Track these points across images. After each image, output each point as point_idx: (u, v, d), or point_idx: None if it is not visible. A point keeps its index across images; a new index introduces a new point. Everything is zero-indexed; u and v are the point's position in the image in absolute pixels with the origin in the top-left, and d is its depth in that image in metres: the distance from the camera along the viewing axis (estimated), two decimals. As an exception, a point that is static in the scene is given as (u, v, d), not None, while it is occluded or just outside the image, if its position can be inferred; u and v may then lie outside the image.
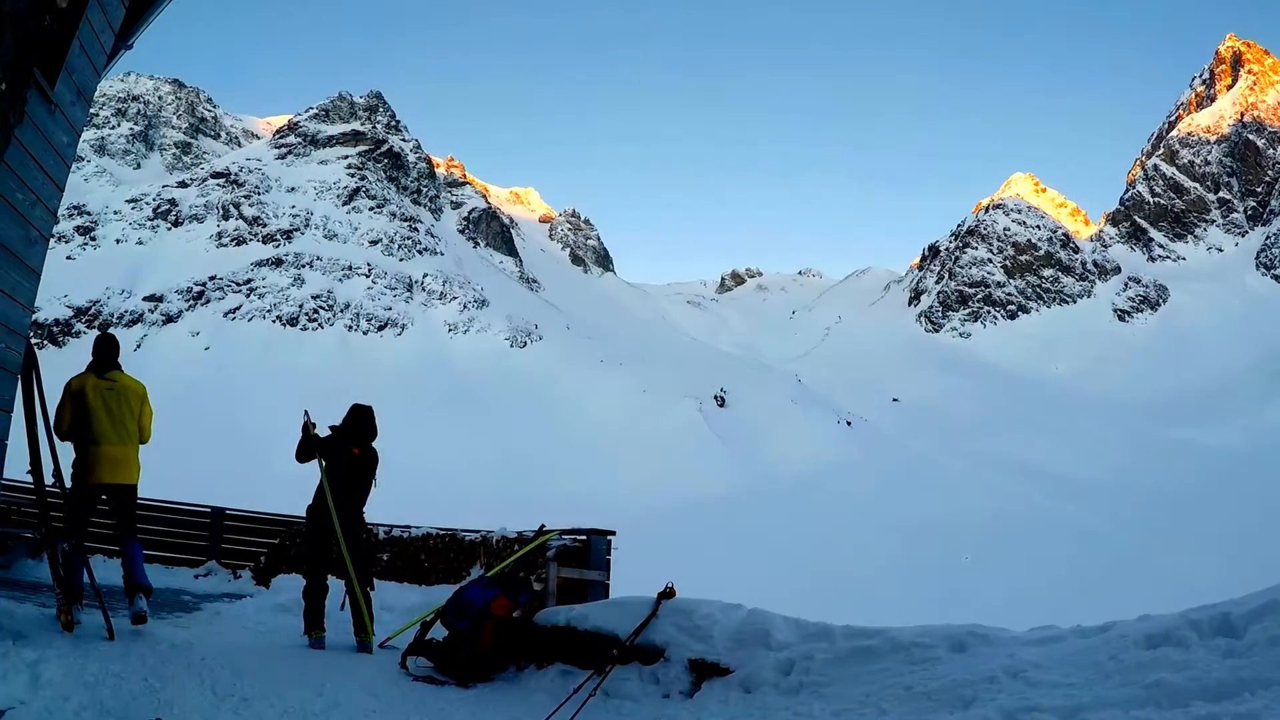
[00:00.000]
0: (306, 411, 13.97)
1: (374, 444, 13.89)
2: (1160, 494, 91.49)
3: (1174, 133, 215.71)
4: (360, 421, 13.71)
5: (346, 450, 13.27)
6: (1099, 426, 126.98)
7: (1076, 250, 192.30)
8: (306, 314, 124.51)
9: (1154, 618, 9.09)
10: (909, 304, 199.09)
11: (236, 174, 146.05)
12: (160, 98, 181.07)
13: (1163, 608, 9.44)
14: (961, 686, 8.84)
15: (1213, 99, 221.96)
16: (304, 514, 13.61)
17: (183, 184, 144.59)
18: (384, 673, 11.45)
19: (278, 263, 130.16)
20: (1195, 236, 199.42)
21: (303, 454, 13.24)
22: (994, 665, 9.01)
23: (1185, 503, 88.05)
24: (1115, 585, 57.76)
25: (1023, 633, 9.86)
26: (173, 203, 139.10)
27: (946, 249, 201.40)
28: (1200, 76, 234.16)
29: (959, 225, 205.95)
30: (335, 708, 9.54)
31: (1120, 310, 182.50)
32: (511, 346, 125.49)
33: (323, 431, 13.52)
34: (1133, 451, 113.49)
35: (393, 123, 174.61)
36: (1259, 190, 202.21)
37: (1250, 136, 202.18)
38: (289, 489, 13.52)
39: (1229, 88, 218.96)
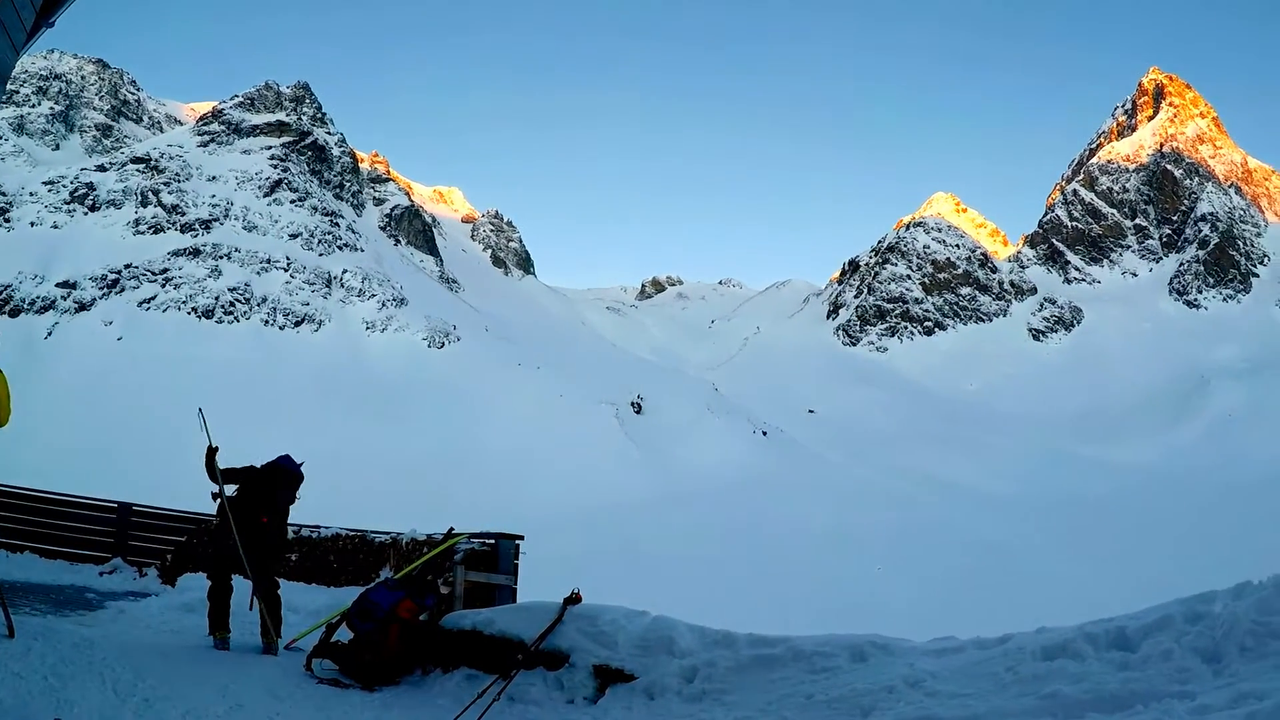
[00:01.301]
0: (201, 410, 13.73)
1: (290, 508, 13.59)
2: (1067, 509, 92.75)
3: (1094, 160, 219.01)
4: (279, 484, 13.12)
5: (255, 519, 12.93)
6: (1011, 442, 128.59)
7: (994, 270, 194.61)
8: (223, 306, 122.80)
9: (1051, 630, 9.28)
10: (827, 317, 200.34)
11: (157, 160, 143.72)
12: (83, 78, 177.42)
13: (1064, 620, 9.65)
14: (861, 695, 8.99)
15: (1134, 129, 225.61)
16: (214, 512, 13.47)
17: (102, 168, 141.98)
18: (288, 675, 11.40)
19: (195, 253, 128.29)
20: (1111, 261, 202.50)
21: (212, 471, 12.97)
22: (893, 675, 9.17)
23: (1091, 518, 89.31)
24: (1019, 597, 58.43)
25: (923, 643, 10.02)
26: (91, 186, 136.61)
27: (866, 264, 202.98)
28: (1123, 106, 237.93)
29: (880, 241, 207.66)
30: (238, 709, 9.50)
31: (1035, 330, 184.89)
32: (429, 347, 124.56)
33: (223, 431, 13.24)
34: (1043, 467, 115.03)
35: (319, 115, 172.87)
36: (1174, 219, 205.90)
37: (1168, 166, 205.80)
38: (199, 486, 13.34)
39: (1150, 119, 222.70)
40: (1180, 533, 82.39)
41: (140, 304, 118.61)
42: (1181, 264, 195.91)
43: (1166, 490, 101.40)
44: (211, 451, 12.83)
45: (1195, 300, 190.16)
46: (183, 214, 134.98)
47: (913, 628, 14.03)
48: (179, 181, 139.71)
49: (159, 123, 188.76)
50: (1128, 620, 8.89)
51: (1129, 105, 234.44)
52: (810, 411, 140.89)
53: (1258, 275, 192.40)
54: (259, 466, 13.12)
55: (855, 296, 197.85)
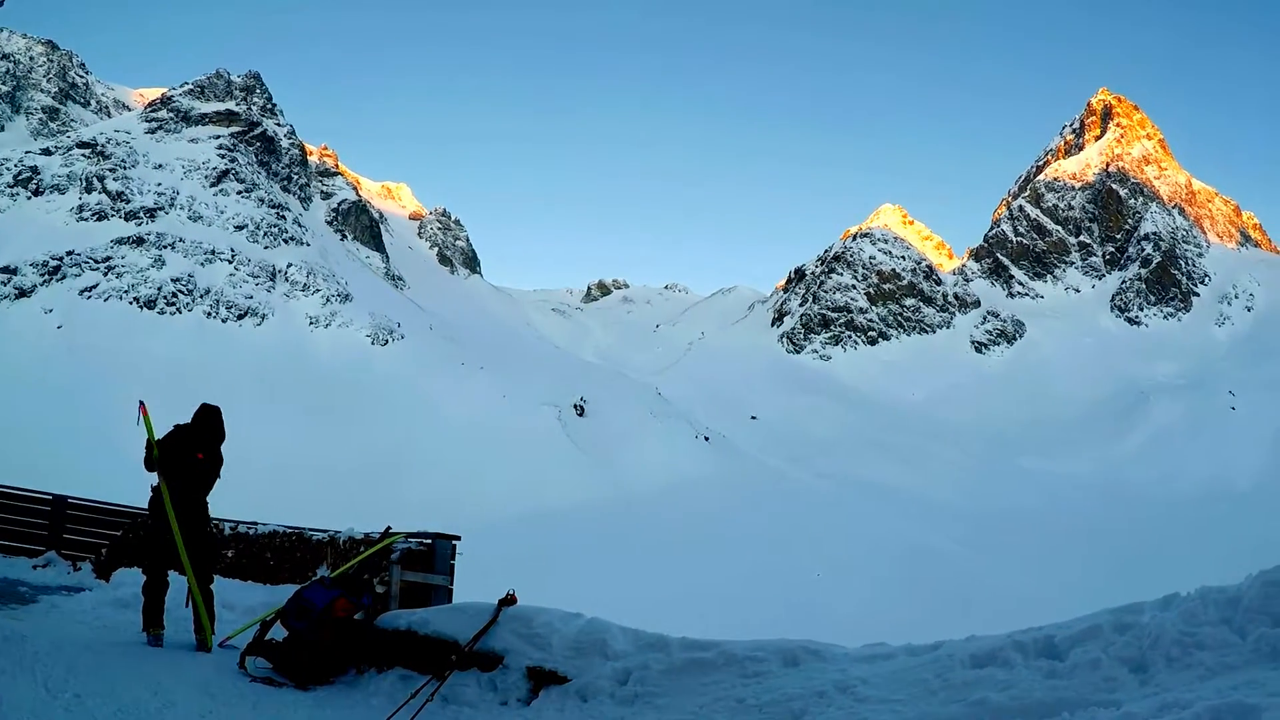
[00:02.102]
0: (141, 402, 13.64)
1: (221, 446, 13.64)
2: (1005, 519, 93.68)
3: (1041, 177, 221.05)
4: (207, 424, 13.35)
5: (190, 454, 13.00)
6: (951, 452, 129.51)
7: (939, 282, 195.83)
8: (165, 297, 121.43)
9: (981, 638, 9.39)
10: (772, 324, 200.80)
11: (103, 145, 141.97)
12: (31, 58, 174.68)
13: (998, 628, 9.73)
14: (792, 700, 9.06)
15: (1081, 148, 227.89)
16: (147, 506, 13.37)
17: (47, 151, 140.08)
18: (222, 673, 11.33)
19: (139, 241, 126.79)
20: (1054, 277, 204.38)
21: (151, 464, 12.95)
22: (825, 680, 9.25)
23: (1028, 528, 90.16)
24: (955, 605, 58.89)
25: (854, 649, 10.11)
26: (35, 170, 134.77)
27: (812, 273, 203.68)
28: (1071, 125, 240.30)
29: (826, 251, 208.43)
30: (170, 707, 9.44)
31: (978, 342, 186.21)
32: (373, 344, 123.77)
33: (162, 425, 13.21)
34: (982, 477, 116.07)
35: (268, 105, 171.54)
36: (1118, 237, 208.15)
37: (1113, 186, 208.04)
38: (136, 479, 13.25)
39: (1098, 138, 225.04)
40: (1114, 544, 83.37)
41: (81, 292, 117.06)
42: (1124, 281, 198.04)
43: (1103, 503, 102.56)
44: (151, 447, 12.77)
45: (1136, 317, 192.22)
46: (127, 201, 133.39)
47: (850, 633, 14.13)
48: (125, 168, 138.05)
49: (107, 107, 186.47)
50: (1056, 629, 9.01)
51: (1077, 124, 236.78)
52: (753, 418, 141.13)
53: (1198, 295, 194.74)
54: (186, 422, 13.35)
55: (800, 305, 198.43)
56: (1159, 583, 11.93)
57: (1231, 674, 7.54)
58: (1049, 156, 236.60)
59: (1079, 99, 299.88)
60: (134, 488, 13.47)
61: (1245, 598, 8.26)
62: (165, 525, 12.62)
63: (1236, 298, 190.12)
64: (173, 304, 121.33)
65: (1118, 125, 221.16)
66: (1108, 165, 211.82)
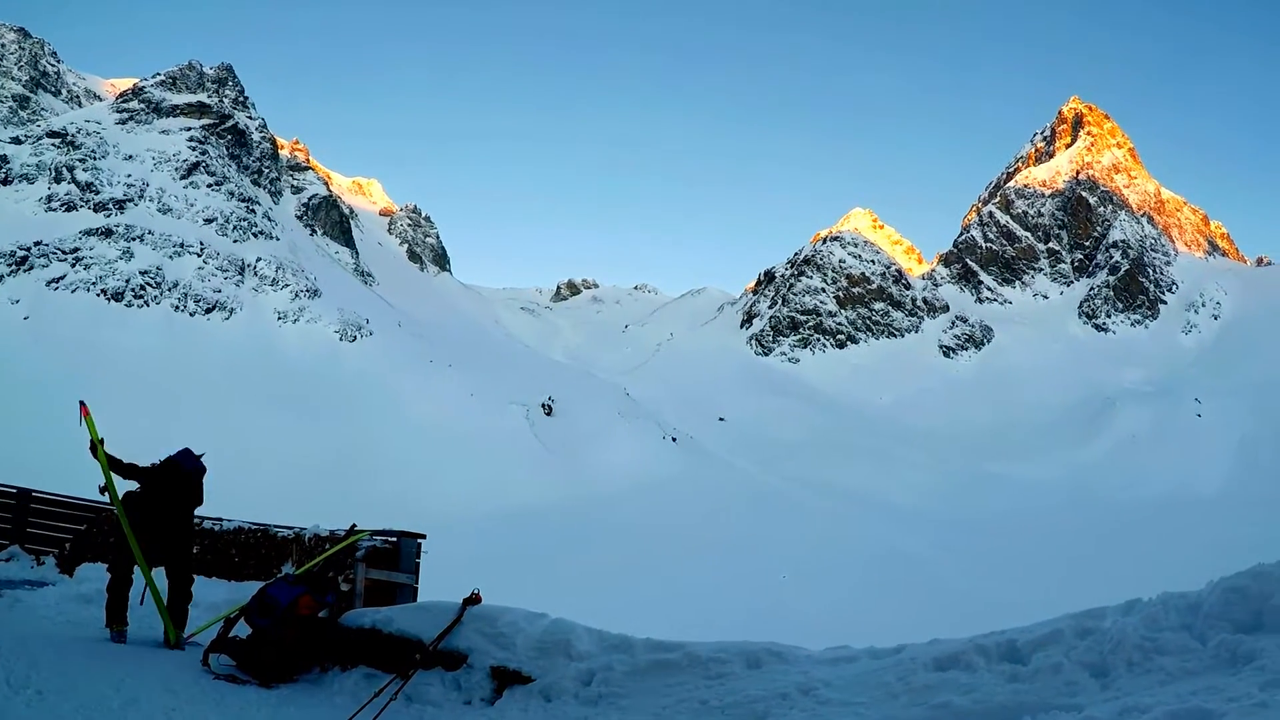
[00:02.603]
0: (82, 402, 13.42)
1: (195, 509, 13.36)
2: (971, 523, 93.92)
3: (1012, 183, 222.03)
4: (178, 486, 12.91)
5: (156, 519, 12.66)
6: (918, 456, 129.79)
7: (908, 287, 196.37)
8: (133, 290, 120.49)
9: (944, 642, 9.42)
10: (741, 326, 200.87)
11: (74, 135, 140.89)
12: (2, 46, 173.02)
13: (962, 632, 9.76)
14: (755, 702, 9.08)
15: (1052, 155, 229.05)
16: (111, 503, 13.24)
17: (16, 140, 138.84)
18: (185, 670, 11.27)
19: (108, 233, 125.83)
20: (1023, 283, 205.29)
21: (97, 456, 12.70)
22: (788, 683, 9.28)
23: (994, 533, 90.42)
24: (919, 608, 58.98)
25: (817, 652, 10.13)
26: (4, 159, 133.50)
27: (782, 276, 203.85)
28: (1042, 133, 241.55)
29: (796, 254, 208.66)
30: (133, 704, 9.38)
31: (946, 347, 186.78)
32: (341, 340, 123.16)
33: (126, 421, 13.09)
34: (949, 481, 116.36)
35: (241, 98, 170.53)
36: (1086, 244, 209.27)
37: (1083, 194, 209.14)
38: (101, 474, 13.11)
39: (1068, 146, 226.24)
40: (1079, 550, 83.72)
41: (49, 283, 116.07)
42: (1092, 288, 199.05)
43: (1069, 508, 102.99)
44: (94, 447, 12.60)
45: (1104, 324, 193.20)
46: (97, 192, 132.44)
47: (815, 636, 14.15)
48: (95, 159, 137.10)
49: (78, 97, 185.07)
50: (1019, 633, 9.06)
51: (1048, 132, 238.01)
52: (721, 419, 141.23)
53: (1165, 302, 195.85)
54: (157, 466, 12.89)
55: (770, 307, 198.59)
56: (1123, 588, 12.01)
57: (1192, 679, 7.60)
58: (1019, 163, 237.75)
59: (1050, 107, 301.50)
60: (98, 483, 13.32)
61: (1206, 604, 8.33)
62: (123, 529, 12.50)
63: (1204, 306, 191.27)
64: (140, 297, 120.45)
65: (1088, 134, 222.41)
66: (1078, 173, 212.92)
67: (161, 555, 12.72)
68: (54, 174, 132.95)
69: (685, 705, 9.46)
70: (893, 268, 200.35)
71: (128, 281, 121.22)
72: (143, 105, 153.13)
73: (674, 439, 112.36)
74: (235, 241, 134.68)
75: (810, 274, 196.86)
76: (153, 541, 12.56)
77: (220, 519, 17.95)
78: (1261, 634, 7.90)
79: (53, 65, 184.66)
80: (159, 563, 12.74)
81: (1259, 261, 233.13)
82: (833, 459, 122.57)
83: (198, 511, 13.75)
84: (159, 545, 12.62)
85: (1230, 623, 8.07)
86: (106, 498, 12.90)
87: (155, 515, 12.59)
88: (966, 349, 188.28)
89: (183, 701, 9.91)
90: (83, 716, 8.69)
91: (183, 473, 12.82)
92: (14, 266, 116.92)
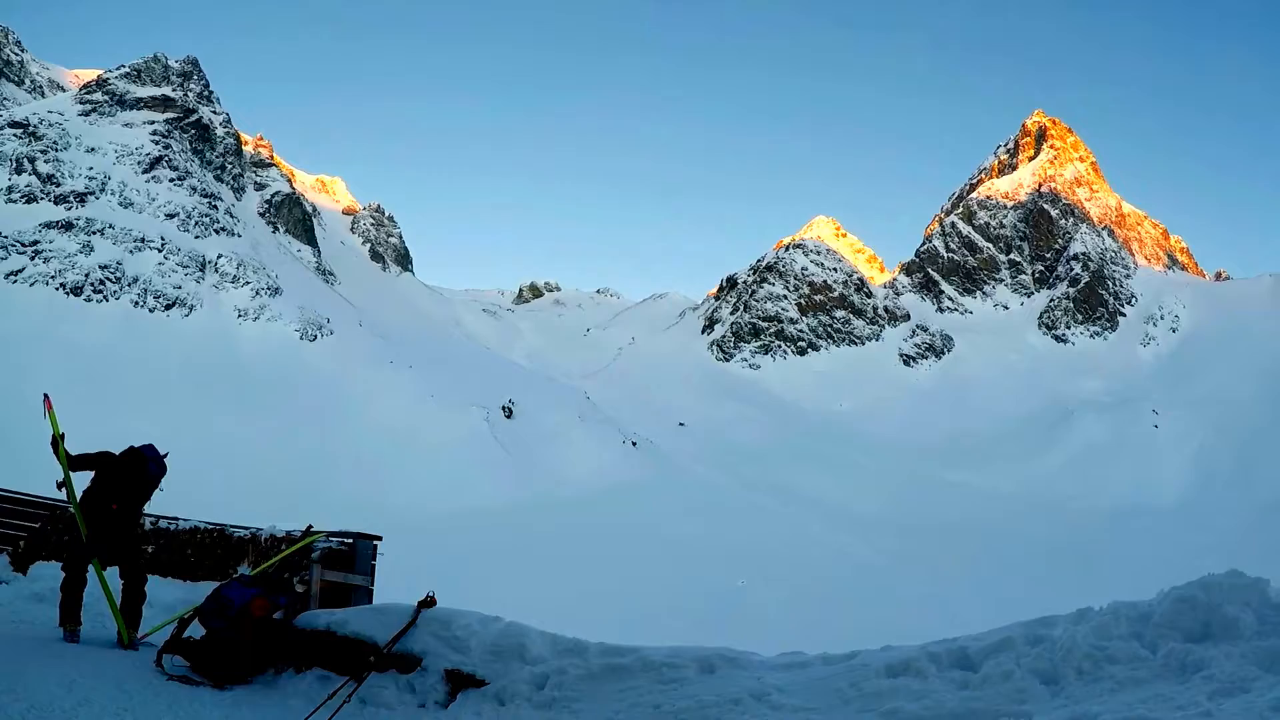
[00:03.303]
0: (46, 396, 13.34)
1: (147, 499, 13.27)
2: (928, 531, 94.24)
3: (974, 194, 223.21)
4: (129, 474, 12.78)
5: (105, 506, 12.67)
6: (877, 463, 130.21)
7: (870, 295, 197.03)
8: (93, 284, 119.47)
9: (896, 648, 9.48)
10: (702, 332, 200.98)
11: (36, 126, 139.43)
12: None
13: (916, 639, 9.80)
14: (708, 707, 9.10)
15: (1014, 167, 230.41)
16: (67, 500, 13.13)
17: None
18: (138, 670, 11.18)
19: (68, 226, 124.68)
20: (984, 293, 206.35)
21: (59, 454, 12.63)
22: (740, 688, 9.30)
23: (951, 540, 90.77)
24: (875, 615, 59.16)
25: (771, 657, 10.16)
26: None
27: (744, 282, 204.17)
28: (1005, 145, 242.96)
29: (759, 260, 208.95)
30: (85, 705, 9.31)
31: (906, 355, 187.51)
32: (301, 339, 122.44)
33: (84, 414, 13.03)
34: (907, 489, 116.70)
35: (205, 92, 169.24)
36: (1047, 256, 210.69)
37: (1045, 206, 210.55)
38: (56, 471, 13.02)
39: (1031, 159, 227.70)
40: (1034, 558, 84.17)
41: (7, 276, 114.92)
42: (1052, 300, 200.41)
43: (1025, 517, 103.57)
44: (55, 441, 12.52)
45: (1063, 335, 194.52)
46: (58, 184, 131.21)
47: (770, 641, 14.18)
48: (56, 150, 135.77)
49: (41, 87, 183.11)
50: (970, 641, 9.12)
51: (1011, 144, 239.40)
52: (680, 424, 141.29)
53: (1124, 315, 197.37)
54: (117, 454, 12.79)
55: (731, 313, 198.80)
56: (1076, 597, 12.10)
57: (1140, 687, 7.67)
58: (983, 175, 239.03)
59: (1014, 120, 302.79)
60: (53, 479, 13.22)
61: (1156, 613, 8.41)
62: (89, 520, 12.41)
63: (1162, 319, 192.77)
64: (100, 291, 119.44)
65: (1051, 147, 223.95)
66: (1040, 186, 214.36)
67: (113, 553, 12.63)
68: (14, 165, 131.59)
69: (638, 710, 9.47)
70: (854, 276, 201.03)
71: (87, 276, 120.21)
72: (106, 97, 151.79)
73: (634, 443, 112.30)
74: (197, 238, 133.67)
75: (772, 281, 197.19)
76: (103, 537, 12.46)
77: (176, 518, 17.81)
78: (1210, 643, 7.99)
79: (16, 54, 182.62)
80: (112, 562, 12.64)
81: (1217, 276, 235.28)
82: (792, 465, 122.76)
83: (154, 510, 13.66)
84: (109, 541, 12.52)
85: (1180, 632, 8.15)
86: (64, 494, 12.82)
87: (107, 507, 12.50)
88: (927, 358, 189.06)
89: (136, 702, 9.84)
90: (34, 716, 8.62)
91: (144, 467, 12.73)
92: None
